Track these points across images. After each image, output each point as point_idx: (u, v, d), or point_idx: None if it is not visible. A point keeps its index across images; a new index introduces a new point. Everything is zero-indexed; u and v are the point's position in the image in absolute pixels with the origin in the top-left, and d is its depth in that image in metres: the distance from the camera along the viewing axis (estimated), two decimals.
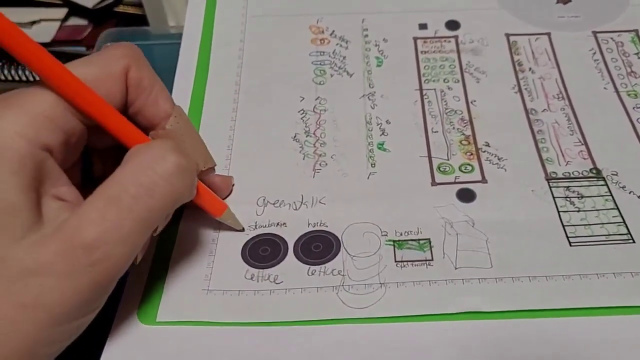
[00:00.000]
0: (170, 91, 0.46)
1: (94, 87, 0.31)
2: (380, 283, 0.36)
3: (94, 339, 0.34)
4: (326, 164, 0.42)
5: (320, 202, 0.40)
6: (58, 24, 0.62)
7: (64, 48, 0.63)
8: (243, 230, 0.38)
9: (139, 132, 0.33)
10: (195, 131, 0.36)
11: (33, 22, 0.61)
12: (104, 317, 0.35)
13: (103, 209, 0.28)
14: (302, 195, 0.40)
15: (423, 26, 0.51)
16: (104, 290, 0.29)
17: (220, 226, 0.38)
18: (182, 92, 0.46)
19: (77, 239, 0.27)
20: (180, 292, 0.36)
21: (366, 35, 0.50)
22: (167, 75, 0.47)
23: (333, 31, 0.51)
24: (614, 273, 0.36)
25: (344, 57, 0.49)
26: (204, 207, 0.37)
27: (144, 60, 0.34)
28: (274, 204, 0.40)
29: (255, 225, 0.39)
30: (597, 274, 0.36)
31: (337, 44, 0.50)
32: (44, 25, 0.61)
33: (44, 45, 0.55)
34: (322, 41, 0.50)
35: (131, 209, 0.28)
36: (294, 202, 0.40)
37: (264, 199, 0.40)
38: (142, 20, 0.59)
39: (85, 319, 0.29)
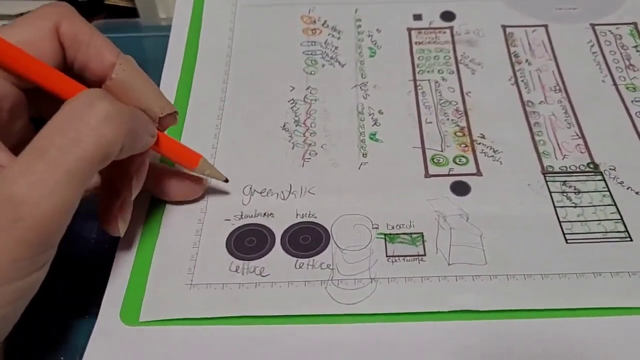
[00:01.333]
0: (159, 81, 0.45)
1: (25, 49, 0.30)
2: (371, 278, 0.34)
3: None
4: (316, 154, 0.41)
5: (309, 192, 0.39)
6: None
7: None
8: (227, 181, 0.37)
9: (78, 85, 0.32)
10: (146, 78, 0.34)
11: (21, 14, 0.60)
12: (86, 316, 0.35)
13: (28, 162, 0.27)
14: (291, 185, 0.39)
15: (418, 17, 0.50)
16: (37, 249, 0.27)
17: (204, 216, 0.37)
18: (169, 81, 0.45)
19: (1, 193, 0.26)
20: (163, 288, 0.35)
21: (359, 26, 0.49)
22: (158, 67, 0.47)
23: (325, 21, 0.50)
24: (611, 272, 0.35)
25: (336, 48, 0.48)
26: (175, 160, 0.36)
27: (76, 15, 0.33)
28: (260, 193, 0.39)
29: (241, 215, 0.38)
30: (594, 273, 0.35)
31: (329, 34, 0.49)
32: None
33: None
34: (314, 31, 0.49)
35: (57, 161, 0.27)
36: (282, 192, 0.39)
37: (250, 188, 0.39)
38: (132, 12, 0.58)
39: (24, 282, 0.28)
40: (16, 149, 0.30)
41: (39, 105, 0.32)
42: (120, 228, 0.33)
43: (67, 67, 0.33)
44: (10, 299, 0.28)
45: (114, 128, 0.29)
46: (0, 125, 0.30)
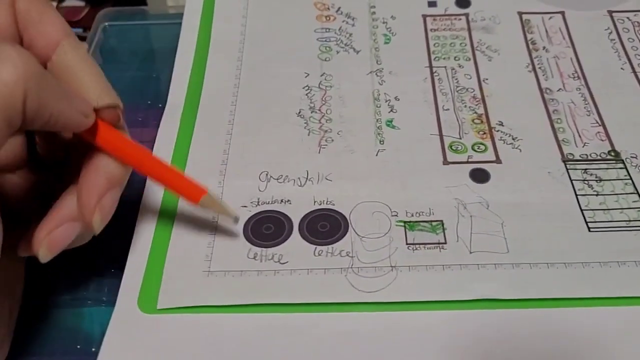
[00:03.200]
0: (171, 69, 0.45)
1: None
2: (391, 266, 0.34)
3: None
4: (332, 140, 0.40)
5: (326, 179, 0.38)
6: (54, 4, 0.60)
7: None
8: (237, 220, 0.34)
9: None
10: (92, 66, 0.31)
11: None
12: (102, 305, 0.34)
13: None
14: (307, 171, 0.38)
15: (432, 4, 0.49)
16: None
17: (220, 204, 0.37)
18: (182, 69, 0.45)
19: None
20: (181, 275, 0.34)
21: (373, 13, 0.49)
22: (166, 55, 0.47)
23: (339, 8, 0.49)
24: (635, 261, 0.34)
25: (350, 34, 0.47)
26: (176, 194, 0.34)
27: None
28: (277, 179, 0.38)
29: (258, 202, 0.37)
30: (617, 262, 0.34)
31: (343, 21, 0.48)
32: None
33: None
34: (328, 18, 0.48)
35: None
36: (299, 178, 0.38)
37: (266, 174, 0.38)
38: (139, 0, 0.57)
39: None
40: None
41: None
42: (95, 224, 0.30)
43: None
44: None
45: (12, 70, 0.25)
46: None
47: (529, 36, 0.47)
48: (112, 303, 0.33)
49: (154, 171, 0.33)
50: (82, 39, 0.43)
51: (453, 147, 0.40)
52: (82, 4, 0.64)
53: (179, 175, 0.34)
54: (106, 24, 0.52)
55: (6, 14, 0.30)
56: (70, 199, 0.31)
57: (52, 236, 0.30)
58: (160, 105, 0.43)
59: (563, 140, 0.40)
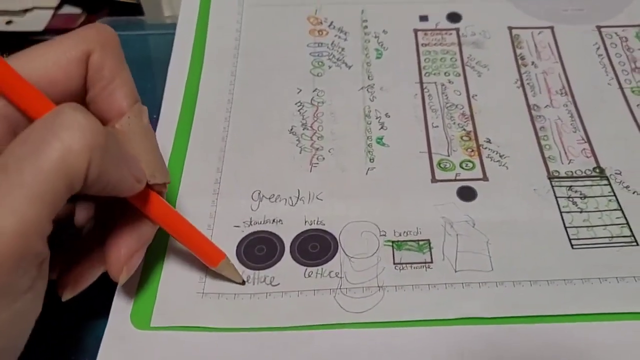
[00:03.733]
0: (164, 81, 0.45)
1: (50, 70, 0.29)
2: (379, 286, 0.35)
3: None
4: (323, 158, 0.41)
5: (317, 198, 0.39)
6: (51, 12, 0.60)
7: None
8: (243, 283, 0.35)
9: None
10: (150, 138, 0.32)
11: (26, 10, 0.60)
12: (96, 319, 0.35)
13: None
14: (299, 190, 0.39)
15: (424, 18, 0.50)
16: (6, 278, 0.24)
17: (213, 222, 0.38)
18: (176, 82, 0.45)
19: None
20: (175, 295, 0.35)
21: (365, 27, 0.49)
22: (161, 66, 0.47)
23: (332, 22, 0.50)
24: (616, 277, 0.35)
25: (343, 49, 0.48)
26: (195, 253, 0.35)
27: (113, 47, 0.31)
28: (269, 198, 0.39)
29: (251, 222, 0.38)
30: (599, 279, 0.35)
31: (335, 35, 0.49)
32: (37, 13, 0.60)
33: (37, 34, 0.54)
34: (321, 32, 0.49)
35: (16, 174, 0.24)
36: (290, 197, 0.39)
37: (259, 193, 0.39)
38: (136, 8, 0.57)
39: (7, 313, 0.25)
40: None
41: None
42: (121, 279, 0.32)
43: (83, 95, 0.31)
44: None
45: (79, 138, 0.25)
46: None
47: (518, 51, 0.47)
48: (105, 317, 0.34)
49: (183, 234, 0.34)
50: None
51: (442, 165, 0.41)
52: (79, 11, 0.64)
53: (204, 239, 0.35)
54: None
55: (78, 66, 0.30)
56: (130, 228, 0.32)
57: (131, 262, 0.32)
58: (155, 116, 0.43)
59: (549, 157, 0.41)
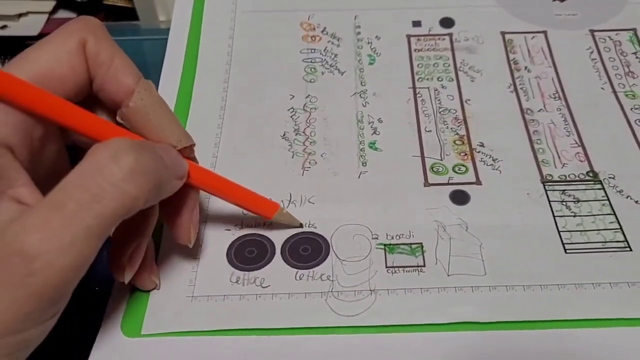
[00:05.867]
0: (157, 87, 0.45)
1: (54, 68, 0.30)
2: (371, 290, 0.35)
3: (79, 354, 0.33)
4: (316, 163, 0.41)
5: (309, 202, 0.39)
6: (46, 16, 0.60)
7: None
8: (301, 225, 0.37)
9: (100, 122, 0.31)
10: (165, 108, 0.33)
11: (20, 15, 0.60)
12: (87, 329, 0.34)
13: (46, 215, 0.26)
14: (291, 194, 0.39)
15: (417, 23, 0.50)
16: (49, 303, 0.26)
17: (204, 228, 0.37)
18: (169, 88, 0.45)
19: (15, 246, 0.25)
20: (165, 301, 0.35)
21: (358, 33, 0.49)
22: (157, 70, 0.47)
23: (324, 28, 0.50)
24: (610, 283, 0.35)
25: (336, 55, 0.48)
26: (250, 210, 0.37)
27: (103, 32, 0.31)
28: None
29: (241, 225, 0.38)
30: (592, 284, 0.35)
31: (328, 42, 0.49)
32: (32, 18, 0.60)
33: (32, 38, 0.54)
34: (313, 38, 0.49)
35: (75, 216, 0.26)
36: (282, 201, 0.39)
37: None
38: (131, 13, 0.57)
39: (33, 332, 0.27)
40: (48, 178, 0.29)
41: (73, 134, 0.31)
42: (126, 276, 0.32)
43: (90, 87, 0.32)
44: (16, 347, 0.26)
45: (137, 185, 0.27)
46: (32, 153, 0.29)
47: (511, 56, 0.47)
48: (96, 326, 0.34)
49: (232, 194, 0.36)
50: None
51: (434, 169, 0.40)
52: (74, 16, 0.64)
53: (254, 195, 0.37)
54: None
55: (79, 57, 0.30)
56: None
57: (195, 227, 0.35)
58: None
59: (543, 161, 0.41)
